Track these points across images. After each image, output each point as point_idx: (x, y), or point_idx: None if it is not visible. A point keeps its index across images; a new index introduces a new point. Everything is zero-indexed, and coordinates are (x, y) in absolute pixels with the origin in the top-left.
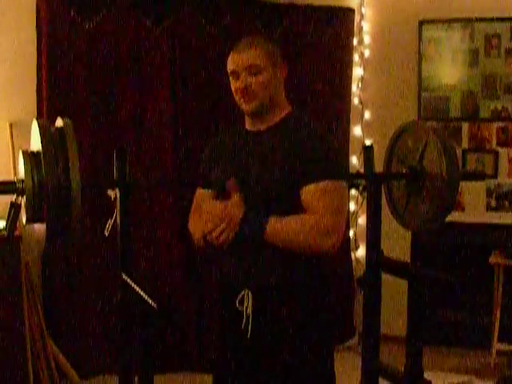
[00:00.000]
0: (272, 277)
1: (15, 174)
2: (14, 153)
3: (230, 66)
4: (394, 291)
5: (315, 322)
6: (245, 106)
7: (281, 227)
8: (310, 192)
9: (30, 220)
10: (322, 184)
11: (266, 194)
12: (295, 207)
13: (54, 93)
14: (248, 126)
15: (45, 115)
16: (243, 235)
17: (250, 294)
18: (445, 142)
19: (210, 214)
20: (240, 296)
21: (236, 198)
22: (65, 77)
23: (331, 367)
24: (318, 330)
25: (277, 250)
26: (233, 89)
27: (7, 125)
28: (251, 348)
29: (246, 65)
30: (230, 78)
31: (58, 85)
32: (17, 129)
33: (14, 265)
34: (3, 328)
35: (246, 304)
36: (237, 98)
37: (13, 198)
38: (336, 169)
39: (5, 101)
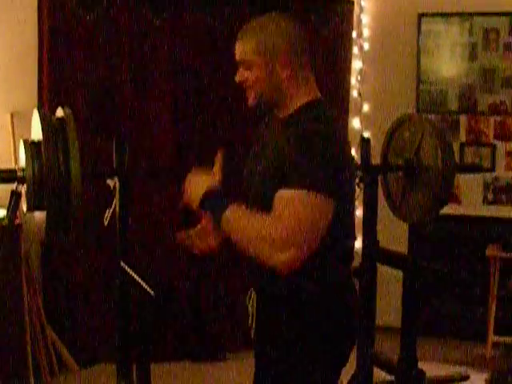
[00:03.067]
0: (273, 282)
1: (16, 163)
2: (14, 142)
3: None
4: (390, 282)
5: (313, 336)
6: (248, 100)
7: (238, 217)
8: (280, 196)
9: (31, 208)
10: (295, 192)
11: (256, 192)
12: None
13: (54, 83)
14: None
15: (46, 105)
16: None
17: (254, 293)
18: (441, 134)
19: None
20: (248, 294)
21: (200, 174)
22: (66, 67)
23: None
24: (315, 344)
25: None
26: None
27: (8, 115)
28: (256, 345)
29: (238, 58)
30: None
31: (59, 75)
32: (18, 119)
33: (14, 253)
34: (3, 316)
35: (250, 303)
36: None
37: (14, 186)
38: (315, 179)
39: (6, 91)
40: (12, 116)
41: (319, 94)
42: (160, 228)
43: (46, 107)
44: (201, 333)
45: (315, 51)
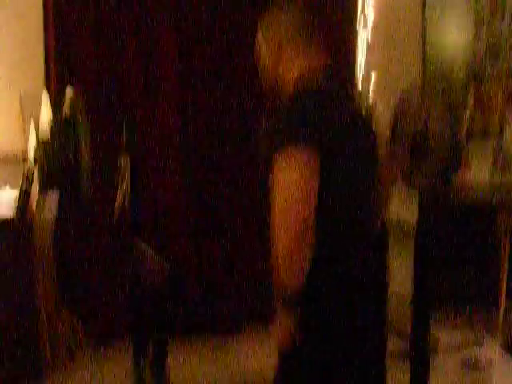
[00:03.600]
0: None
1: (26, 144)
2: (24, 124)
3: None
4: (401, 252)
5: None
6: None
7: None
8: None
9: (44, 187)
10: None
11: None
12: None
13: (61, 64)
14: None
15: (53, 86)
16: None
17: None
18: (449, 102)
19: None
20: None
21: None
22: (72, 48)
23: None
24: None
25: None
26: None
27: (17, 96)
28: None
29: None
30: None
31: (66, 56)
32: (27, 100)
33: (27, 240)
34: (17, 304)
35: None
36: None
37: (25, 168)
38: (282, 138)
39: (14, 73)
40: (21, 98)
41: (311, 65)
42: (171, 207)
43: (53, 88)
44: (216, 306)
45: (320, 24)
